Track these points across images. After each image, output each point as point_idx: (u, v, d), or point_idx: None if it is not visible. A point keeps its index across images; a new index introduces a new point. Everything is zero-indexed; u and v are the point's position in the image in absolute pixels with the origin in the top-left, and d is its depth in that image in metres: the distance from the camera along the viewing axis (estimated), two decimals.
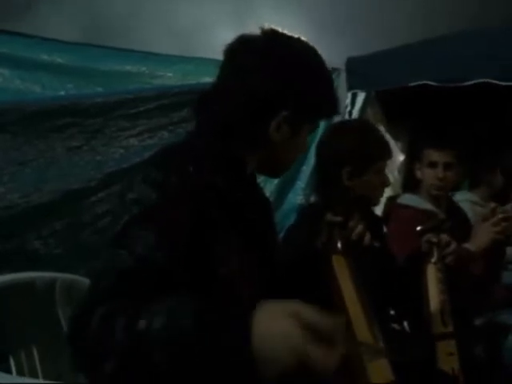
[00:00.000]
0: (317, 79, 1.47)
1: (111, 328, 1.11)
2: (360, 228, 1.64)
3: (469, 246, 2.57)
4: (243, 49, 1.45)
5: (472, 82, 3.72)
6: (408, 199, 3.13)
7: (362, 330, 1.49)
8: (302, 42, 1.49)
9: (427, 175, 3.05)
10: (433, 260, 2.34)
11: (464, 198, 3.61)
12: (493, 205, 2.74)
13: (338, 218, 1.63)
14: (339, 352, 0.99)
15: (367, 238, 1.64)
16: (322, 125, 4.28)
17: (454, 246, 2.33)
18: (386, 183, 2.36)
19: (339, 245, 1.62)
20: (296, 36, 1.49)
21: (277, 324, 0.99)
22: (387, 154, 2.35)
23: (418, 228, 2.40)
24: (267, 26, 1.48)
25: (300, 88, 1.43)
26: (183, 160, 1.37)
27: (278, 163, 1.56)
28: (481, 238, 2.59)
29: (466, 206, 3.47)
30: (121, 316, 1.11)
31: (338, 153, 2.29)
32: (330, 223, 1.64)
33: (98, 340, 1.12)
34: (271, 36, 1.46)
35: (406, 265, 2.39)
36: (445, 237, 2.32)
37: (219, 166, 1.41)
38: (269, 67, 1.41)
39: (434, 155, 3.03)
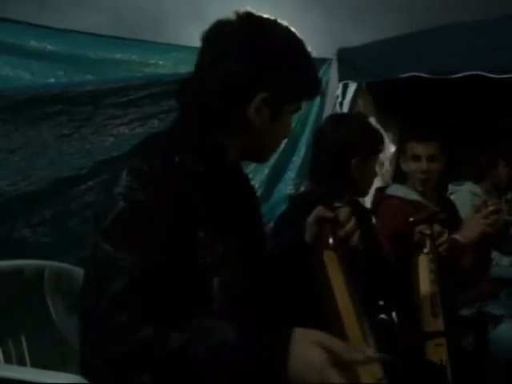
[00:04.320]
0: (294, 59, 1.45)
1: (143, 339, 1.14)
2: (350, 225, 1.63)
3: (458, 237, 2.57)
4: (218, 33, 1.44)
5: (463, 74, 3.73)
6: (396, 190, 3.14)
7: (352, 326, 1.48)
8: (278, 23, 1.48)
9: (411, 168, 3.06)
10: (425, 250, 2.35)
11: (465, 189, 3.62)
12: (485, 198, 2.75)
13: (330, 214, 1.62)
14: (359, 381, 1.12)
15: (356, 236, 1.63)
16: (314, 116, 4.34)
17: (446, 235, 2.35)
18: (376, 174, 2.48)
19: (330, 240, 1.61)
20: (273, 18, 1.48)
21: (310, 351, 1.10)
22: (384, 146, 2.55)
23: (411, 219, 2.41)
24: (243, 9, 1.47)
25: (277, 69, 1.42)
26: (166, 149, 1.38)
27: (262, 147, 1.54)
28: (470, 230, 2.60)
29: (466, 198, 3.49)
30: (148, 326, 1.15)
31: (348, 144, 2.35)
32: (321, 218, 1.64)
33: (131, 348, 1.15)
34: (246, 19, 1.45)
35: (399, 257, 2.41)
36: (438, 227, 2.34)
37: (201, 153, 1.40)
38: (242, 49, 1.40)
39: (417, 148, 3.04)
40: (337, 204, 1.66)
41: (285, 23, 1.49)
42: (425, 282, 2.34)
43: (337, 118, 2.67)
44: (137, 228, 1.25)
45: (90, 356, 1.19)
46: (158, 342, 1.14)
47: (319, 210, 1.63)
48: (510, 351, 2.85)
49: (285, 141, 4.28)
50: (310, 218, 1.64)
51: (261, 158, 1.63)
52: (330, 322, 1.48)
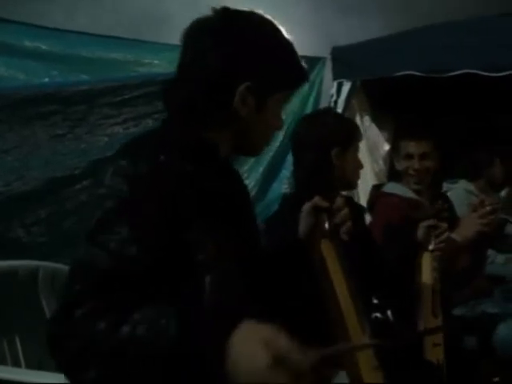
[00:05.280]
0: (274, 47, 1.45)
1: (93, 334, 1.14)
2: (344, 212, 1.64)
3: (454, 236, 2.57)
4: (197, 30, 1.45)
5: (458, 73, 3.73)
6: (393, 187, 3.14)
7: (350, 315, 1.49)
8: (255, 14, 1.49)
9: (404, 167, 3.07)
10: (430, 247, 2.35)
11: (460, 187, 3.63)
12: (482, 196, 2.75)
13: (326, 203, 1.63)
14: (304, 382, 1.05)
15: (348, 224, 1.64)
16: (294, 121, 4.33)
17: (447, 234, 2.35)
18: (360, 165, 2.47)
19: (327, 228, 1.62)
20: (249, 10, 1.49)
21: (254, 350, 1.05)
22: (360, 134, 2.55)
23: (416, 215, 2.42)
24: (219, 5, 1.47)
25: (257, 58, 1.42)
26: (153, 149, 1.37)
27: (252, 139, 1.52)
28: (467, 229, 2.59)
29: (461, 195, 3.49)
30: (102, 321, 1.14)
31: (324, 137, 2.35)
32: (317, 208, 1.64)
33: (79, 345, 1.15)
34: (222, 13, 1.46)
35: (394, 255, 2.41)
36: (444, 224, 2.34)
37: (189, 151, 1.40)
38: (221, 43, 1.41)
39: (410, 146, 3.05)
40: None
41: (263, 14, 1.49)
42: (427, 280, 2.34)
43: (308, 116, 2.74)
44: (118, 229, 1.24)
45: (54, 350, 1.19)
46: (106, 336, 1.13)
47: (316, 200, 1.64)
48: None
49: (279, 139, 4.36)
50: (306, 207, 1.65)
51: (253, 151, 1.60)
52: (329, 311, 1.49)
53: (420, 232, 2.38)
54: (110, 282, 1.20)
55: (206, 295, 1.34)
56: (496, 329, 2.90)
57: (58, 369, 1.22)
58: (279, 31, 1.49)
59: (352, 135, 2.42)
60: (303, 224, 1.66)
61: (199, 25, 1.45)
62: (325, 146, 2.35)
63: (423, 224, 2.37)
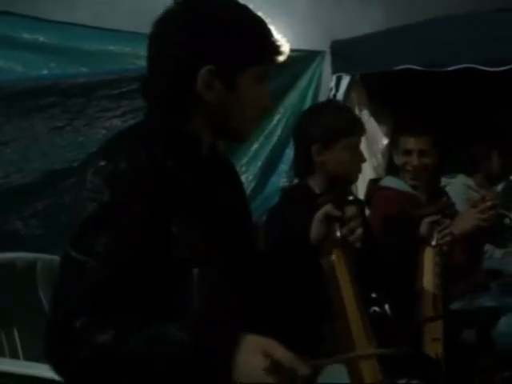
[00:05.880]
0: (233, 25, 1.42)
1: (99, 345, 1.16)
2: (356, 223, 1.63)
3: (452, 229, 2.58)
4: (159, 22, 1.44)
5: (457, 67, 3.72)
6: (389, 181, 3.15)
7: (356, 324, 1.50)
8: None
9: (402, 162, 3.07)
10: (433, 243, 2.35)
11: (458, 182, 3.63)
12: (483, 192, 2.75)
13: (338, 212, 1.62)
14: None
15: (359, 233, 1.63)
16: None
17: (450, 229, 2.35)
18: (360, 159, 2.35)
19: (338, 236, 1.61)
20: None
21: (252, 358, 1.13)
22: (357, 129, 2.35)
23: (420, 211, 2.41)
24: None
25: (216, 38, 1.39)
26: (132, 145, 1.35)
27: (231, 123, 1.46)
28: (465, 222, 2.60)
29: (460, 190, 3.49)
30: (105, 332, 1.16)
31: (308, 131, 2.32)
32: (329, 216, 1.63)
33: (84, 358, 1.16)
34: (183, 2, 1.44)
35: (392, 248, 2.41)
36: (448, 220, 2.34)
37: (170, 145, 1.38)
38: (178, 31, 1.39)
39: (409, 142, 3.04)
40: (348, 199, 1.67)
41: None
42: (428, 275, 2.34)
43: (307, 110, 2.68)
44: (103, 233, 1.24)
45: (55, 363, 1.21)
46: (116, 346, 1.16)
47: (327, 208, 1.63)
48: None
49: (278, 133, 4.36)
50: (318, 216, 1.63)
51: (238, 136, 1.52)
52: (335, 319, 1.49)
53: (423, 227, 2.37)
54: (105, 289, 1.20)
55: (194, 292, 1.34)
56: (496, 323, 2.91)
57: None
58: (243, 9, 1.45)
59: (341, 129, 2.29)
60: (314, 232, 1.63)
61: (161, 16, 1.44)
62: (304, 141, 2.32)
63: (427, 220, 2.36)
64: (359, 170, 2.39)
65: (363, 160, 2.38)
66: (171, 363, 1.15)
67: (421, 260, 2.36)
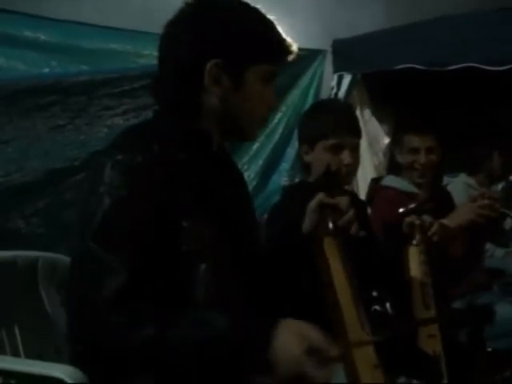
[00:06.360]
0: (242, 22, 1.46)
1: (142, 340, 1.18)
2: (350, 215, 1.64)
3: (446, 221, 2.57)
4: (169, 23, 1.48)
5: (458, 66, 3.73)
6: (391, 181, 3.15)
7: (349, 312, 1.50)
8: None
9: (408, 161, 3.06)
10: (414, 242, 2.35)
11: (460, 181, 3.63)
12: (484, 190, 2.75)
13: (332, 200, 1.63)
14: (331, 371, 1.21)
15: (354, 226, 1.64)
16: None
17: (437, 225, 2.34)
18: (346, 162, 2.23)
19: (330, 226, 1.62)
20: None
21: (290, 341, 1.18)
22: (341, 131, 2.24)
23: (400, 210, 2.41)
24: None
25: (223, 34, 1.42)
26: (147, 139, 1.38)
27: (239, 123, 1.49)
28: (460, 216, 2.60)
29: (462, 188, 3.50)
30: (146, 326, 1.19)
31: (298, 131, 2.40)
32: (322, 204, 1.63)
33: (127, 354, 1.20)
34: (195, 2, 1.48)
35: (392, 248, 2.41)
36: (428, 217, 2.34)
37: (181, 142, 1.41)
38: (187, 30, 1.43)
39: (415, 141, 3.04)
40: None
41: None
42: (415, 273, 2.34)
43: (309, 107, 2.80)
44: (124, 227, 1.26)
45: (89, 356, 1.23)
46: (159, 341, 1.18)
47: (320, 196, 1.63)
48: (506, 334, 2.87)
49: (279, 132, 4.36)
50: (312, 204, 1.64)
51: (245, 135, 1.56)
52: (328, 307, 1.49)
53: (405, 226, 2.37)
54: (133, 286, 1.22)
55: (202, 284, 1.35)
56: (496, 323, 2.91)
57: (98, 367, 1.25)
58: (252, 9, 1.48)
59: (315, 133, 2.26)
60: (307, 221, 1.65)
61: (172, 18, 1.47)
62: (300, 141, 2.38)
63: (407, 219, 2.36)
64: (353, 173, 2.40)
65: (354, 164, 2.29)
66: (218, 346, 1.19)
67: (406, 259, 2.36)
